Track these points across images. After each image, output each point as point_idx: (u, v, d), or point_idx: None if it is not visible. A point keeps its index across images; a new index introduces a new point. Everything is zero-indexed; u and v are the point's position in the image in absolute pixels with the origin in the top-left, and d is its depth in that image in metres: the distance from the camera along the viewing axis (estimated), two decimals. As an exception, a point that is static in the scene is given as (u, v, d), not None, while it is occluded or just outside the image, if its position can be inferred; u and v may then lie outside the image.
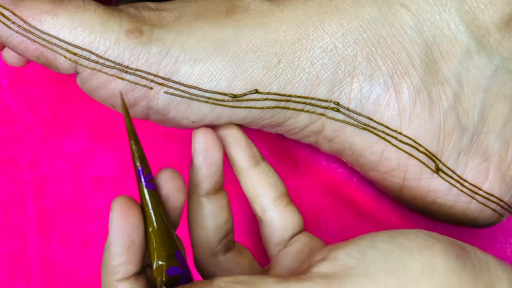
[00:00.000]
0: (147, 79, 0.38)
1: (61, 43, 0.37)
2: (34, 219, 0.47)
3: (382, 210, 0.48)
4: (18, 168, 0.48)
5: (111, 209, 0.33)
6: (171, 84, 0.38)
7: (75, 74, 0.38)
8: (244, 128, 0.41)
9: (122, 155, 0.48)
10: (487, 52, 0.41)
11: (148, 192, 0.34)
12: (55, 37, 0.37)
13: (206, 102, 0.39)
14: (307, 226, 0.47)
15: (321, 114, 0.41)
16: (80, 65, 0.38)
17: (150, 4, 0.39)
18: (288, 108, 0.40)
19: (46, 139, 0.48)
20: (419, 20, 0.40)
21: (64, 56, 0.37)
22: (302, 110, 0.40)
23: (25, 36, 0.37)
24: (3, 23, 0.37)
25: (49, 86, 0.48)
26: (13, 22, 0.36)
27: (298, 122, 0.41)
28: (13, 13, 0.36)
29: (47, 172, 0.48)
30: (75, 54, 0.37)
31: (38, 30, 0.37)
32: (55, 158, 0.48)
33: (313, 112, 0.40)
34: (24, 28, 0.37)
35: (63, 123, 0.48)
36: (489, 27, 0.40)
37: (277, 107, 0.40)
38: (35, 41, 0.37)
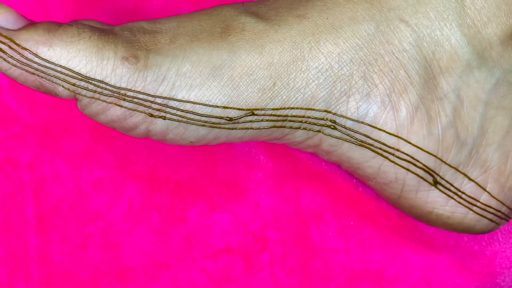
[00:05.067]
0: (144, 105, 0.38)
1: (59, 74, 0.37)
2: (33, 220, 0.48)
3: (382, 210, 0.48)
4: (18, 169, 0.48)
5: None
6: (168, 109, 0.38)
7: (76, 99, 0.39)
8: None
9: (121, 156, 0.48)
10: (488, 66, 0.40)
11: None
12: (52, 69, 0.37)
13: (203, 125, 0.39)
14: (307, 226, 0.47)
15: (318, 131, 0.40)
16: (79, 94, 0.38)
17: (145, 25, 0.39)
18: (284, 127, 0.40)
19: (46, 140, 0.48)
20: (419, 36, 0.39)
21: (63, 86, 0.37)
22: (299, 128, 0.40)
23: (23, 69, 0.37)
24: (1, 57, 0.37)
25: (49, 87, 0.48)
26: (11, 56, 0.37)
27: (296, 138, 0.41)
28: (10, 47, 0.37)
29: (47, 173, 0.48)
30: (73, 84, 0.37)
31: (35, 62, 0.37)
32: (54, 159, 0.48)
33: (309, 129, 0.40)
34: (21, 62, 0.37)
35: (63, 123, 0.48)
36: (492, 40, 0.40)
37: (274, 126, 0.40)
38: (33, 73, 0.37)
